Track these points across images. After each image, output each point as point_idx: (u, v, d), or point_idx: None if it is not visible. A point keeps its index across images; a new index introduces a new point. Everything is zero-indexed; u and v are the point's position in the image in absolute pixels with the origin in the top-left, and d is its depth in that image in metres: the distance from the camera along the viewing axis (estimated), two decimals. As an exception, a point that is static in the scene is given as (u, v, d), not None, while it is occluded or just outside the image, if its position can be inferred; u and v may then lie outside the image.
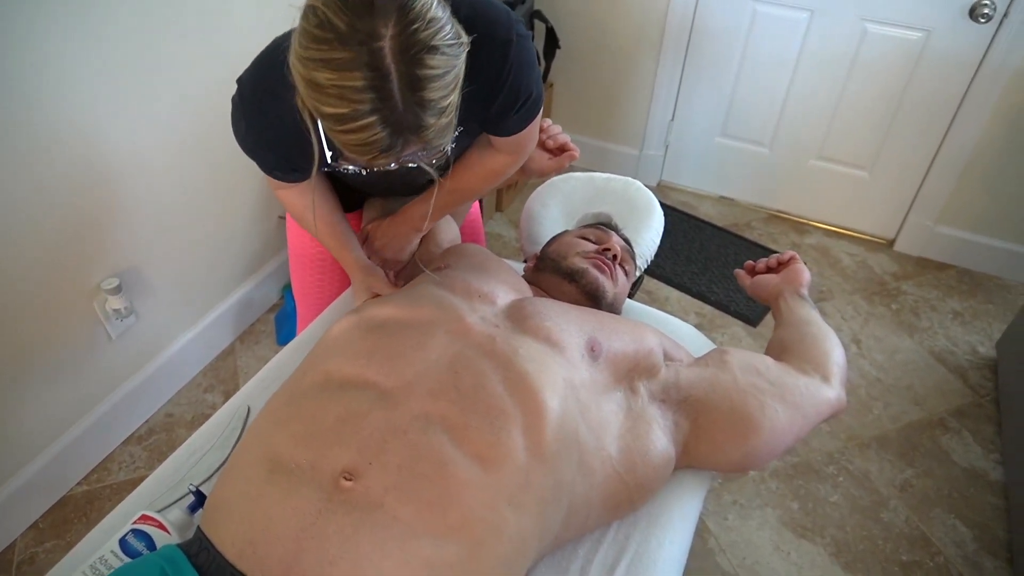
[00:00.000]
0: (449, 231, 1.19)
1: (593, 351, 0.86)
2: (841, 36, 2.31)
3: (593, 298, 1.04)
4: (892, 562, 1.59)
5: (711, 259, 2.49)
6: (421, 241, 1.17)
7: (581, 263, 1.07)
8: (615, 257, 1.09)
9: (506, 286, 0.95)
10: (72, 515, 1.62)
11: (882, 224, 2.61)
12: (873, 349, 2.15)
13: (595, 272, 1.05)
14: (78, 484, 1.68)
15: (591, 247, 1.12)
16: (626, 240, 1.22)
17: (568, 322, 0.87)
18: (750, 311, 2.26)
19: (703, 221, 2.69)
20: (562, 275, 1.06)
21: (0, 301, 1.38)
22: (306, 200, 1.03)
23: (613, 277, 1.08)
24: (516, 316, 0.87)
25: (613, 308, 1.07)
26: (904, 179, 2.48)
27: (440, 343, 0.79)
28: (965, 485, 1.76)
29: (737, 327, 2.22)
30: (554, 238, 1.19)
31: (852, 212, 2.63)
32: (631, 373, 0.89)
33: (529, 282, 1.07)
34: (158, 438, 1.80)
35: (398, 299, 0.86)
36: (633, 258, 1.18)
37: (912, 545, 1.63)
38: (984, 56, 2.14)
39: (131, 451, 1.77)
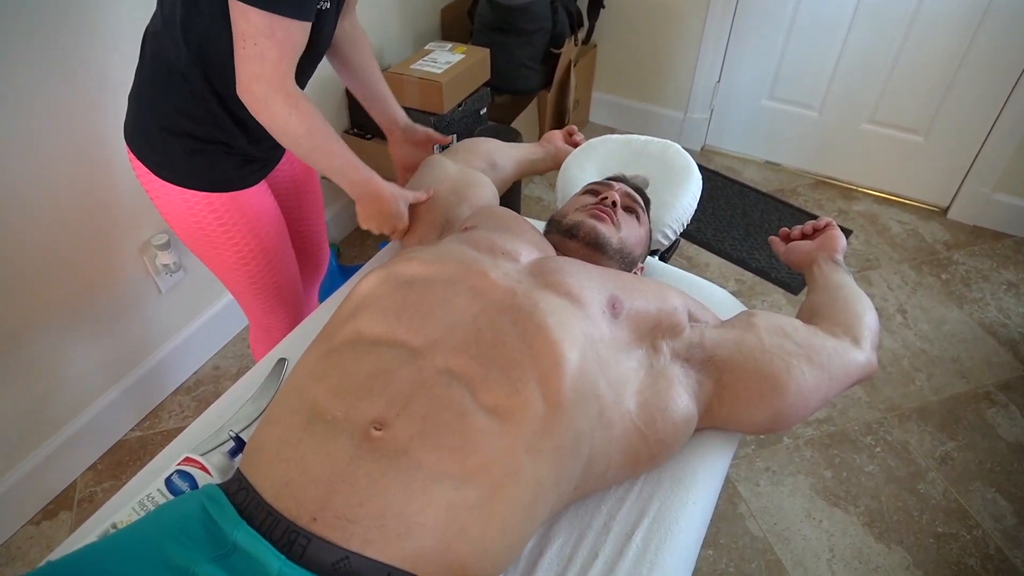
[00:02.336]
0: (485, 197, 1.20)
1: (614, 308, 0.86)
2: (900, -8, 2.21)
3: (596, 247, 1.04)
4: (927, 534, 1.57)
5: (754, 225, 2.44)
6: (453, 197, 1.19)
7: (578, 216, 1.07)
8: (614, 204, 1.08)
9: (530, 245, 0.96)
10: (127, 458, 1.71)
11: (936, 191, 2.51)
12: (919, 319, 2.10)
13: (592, 221, 1.05)
14: (132, 430, 1.78)
15: (591, 200, 1.11)
16: (637, 189, 1.21)
17: (589, 279, 0.88)
18: (791, 279, 2.22)
19: (747, 186, 2.64)
20: (563, 233, 1.06)
21: (56, 257, 1.45)
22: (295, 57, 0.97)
23: (614, 223, 1.07)
24: (538, 272, 0.88)
25: (623, 255, 1.06)
26: (961, 144, 2.38)
27: (464, 300, 0.80)
28: (1009, 459, 1.72)
29: (778, 294, 2.18)
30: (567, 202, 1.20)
31: (904, 178, 2.54)
32: (654, 332, 0.89)
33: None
34: (206, 389, 1.88)
35: (425, 255, 0.88)
36: (642, 203, 1.17)
37: (949, 517, 1.60)
38: (1055, 13, 2.03)
39: (180, 400, 1.85)
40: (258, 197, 1.20)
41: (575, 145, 1.49)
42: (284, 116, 0.97)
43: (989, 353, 2.00)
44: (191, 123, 1.07)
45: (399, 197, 1.12)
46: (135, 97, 1.10)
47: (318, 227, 1.50)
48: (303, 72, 1.06)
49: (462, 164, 1.28)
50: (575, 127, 1.52)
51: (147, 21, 1.08)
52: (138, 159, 1.11)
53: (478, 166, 1.31)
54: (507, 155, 1.39)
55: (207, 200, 1.13)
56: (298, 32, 0.95)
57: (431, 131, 1.40)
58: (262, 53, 0.92)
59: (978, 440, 1.77)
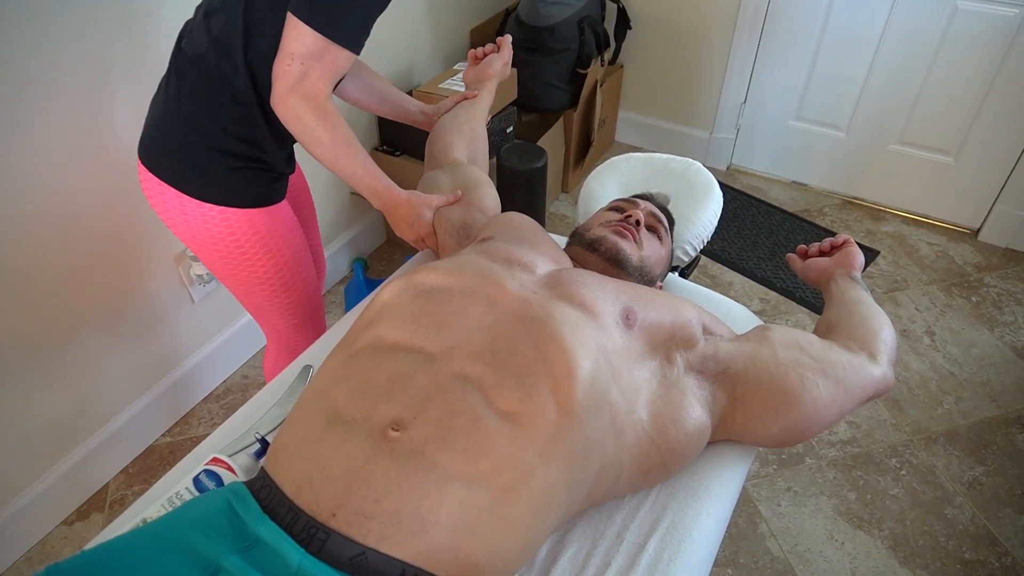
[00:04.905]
0: (489, 196, 1.23)
1: (628, 319, 0.88)
2: (929, 13, 2.21)
3: (616, 263, 1.05)
4: (954, 559, 1.54)
5: (779, 245, 2.43)
6: (462, 206, 1.21)
7: (601, 231, 1.09)
8: (638, 222, 1.10)
9: (546, 257, 0.98)
10: (157, 463, 1.76)
11: (966, 212, 2.48)
12: (948, 342, 2.07)
13: (614, 237, 1.07)
14: (162, 436, 1.83)
15: (615, 216, 1.13)
16: (661, 208, 1.22)
17: (604, 291, 0.89)
18: (816, 298, 2.20)
19: (773, 206, 2.63)
20: (585, 246, 1.08)
21: (94, 267, 1.52)
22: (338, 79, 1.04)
23: (636, 241, 1.08)
24: (553, 283, 0.90)
25: (643, 272, 1.08)
26: (993, 165, 2.35)
27: (480, 310, 0.83)
28: (1040, 486, 1.69)
29: (802, 314, 2.17)
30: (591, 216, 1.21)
31: (934, 199, 2.52)
32: (667, 344, 0.90)
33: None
34: (234, 397, 1.92)
35: (443, 266, 0.91)
36: (666, 223, 1.18)
37: (977, 544, 1.57)
38: (1087, 34, 2.01)
39: (209, 408, 1.90)
40: (287, 209, 1.25)
41: (486, 56, 1.45)
42: (311, 126, 1.03)
43: (1020, 378, 1.96)
44: (237, 142, 1.10)
45: (420, 204, 1.16)
46: (169, 117, 1.10)
47: (315, 236, 1.54)
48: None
49: (448, 162, 1.29)
50: (476, 51, 1.47)
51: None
52: (165, 180, 1.12)
53: (462, 148, 1.31)
54: (472, 118, 1.37)
55: (247, 216, 1.16)
56: (345, 61, 1.01)
57: (456, 95, 1.43)
58: (306, 72, 0.98)
59: (1008, 466, 1.73)
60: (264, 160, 1.15)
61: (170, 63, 1.12)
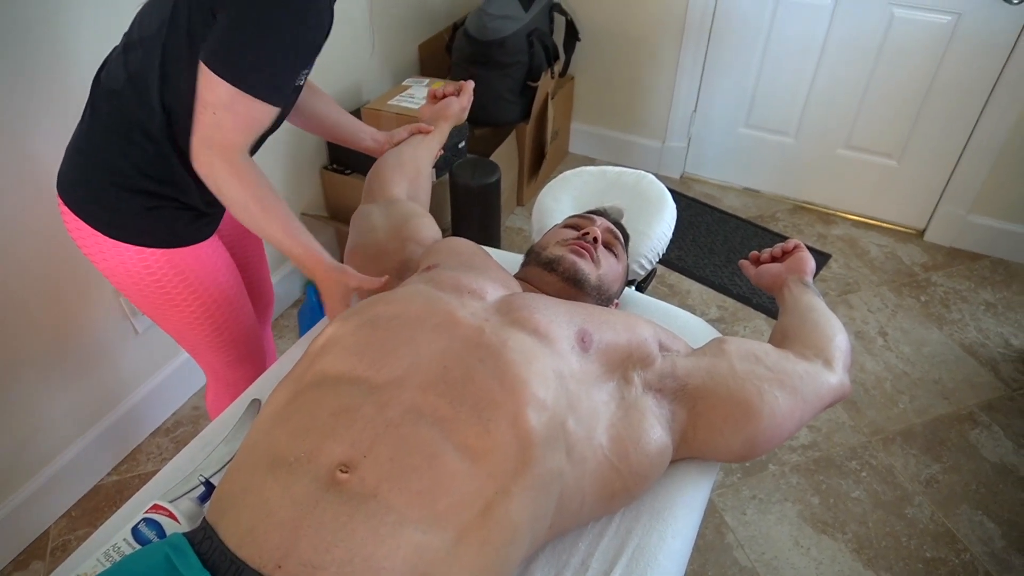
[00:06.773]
0: (426, 227, 1.19)
1: (583, 342, 0.86)
2: (868, 21, 2.26)
3: (574, 282, 1.03)
4: (916, 559, 1.56)
5: (734, 251, 2.46)
6: (397, 241, 1.15)
7: (558, 250, 1.07)
8: (595, 240, 1.08)
9: (495, 283, 0.95)
10: (103, 504, 1.67)
11: (912, 214, 2.54)
12: (900, 342, 2.11)
13: (572, 257, 1.05)
14: (108, 474, 1.74)
15: (572, 234, 1.11)
16: (617, 224, 1.21)
17: (557, 315, 0.87)
18: (773, 304, 2.23)
19: (727, 213, 2.66)
20: (542, 265, 1.06)
21: (31, 301, 1.44)
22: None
23: (594, 260, 1.07)
24: (505, 310, 0.87)
25: (601, 291, 1.06)
26: (935, 167, 2.42)
27: (429, 337, 0.80)
28: (994, 480, 1.72)
29: (759, 320, 2.19)
30: (546, 233, 1.19)
31: (881, 202, 2.58)
32: (624, 364, 0.89)
33: (520, 279, 1.07)
34: (184, 430, 1.85)
35: (388, 297, 0.88)
36: (622, 240, 1.17)
37: (937, 542, 1.59)
38: (1017, 39, 2.08)
39: (159, 442, 1.82)
40: (214, 247, 1.18)
41: (445, 98, 1.41)
42: (224, 182, 0.97)
43: (970, 374, 2.00)
44: (149, 181, 1.04)
45: (340, 279, 1.03)
46: (81, 152, 1.05)
47: (262, 268, 1.48)
48: (263, 135, 1.05)
49: (385, 198, 1.25)
50: (437, 90, 1.42)
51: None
52: (81, 217, 1.06)
53: (402, 186, 1.27)
54: (417, 157, 1.34)
55: (167, 256, 1.10)
56: (262, 113, 0.95)
57: (410, 126, 1.39)
58: (219, 123, 0.93)
59: (963, 462, 1.77)
60: (181, 200, 1.08)
61: (89, 94, 1.06)
